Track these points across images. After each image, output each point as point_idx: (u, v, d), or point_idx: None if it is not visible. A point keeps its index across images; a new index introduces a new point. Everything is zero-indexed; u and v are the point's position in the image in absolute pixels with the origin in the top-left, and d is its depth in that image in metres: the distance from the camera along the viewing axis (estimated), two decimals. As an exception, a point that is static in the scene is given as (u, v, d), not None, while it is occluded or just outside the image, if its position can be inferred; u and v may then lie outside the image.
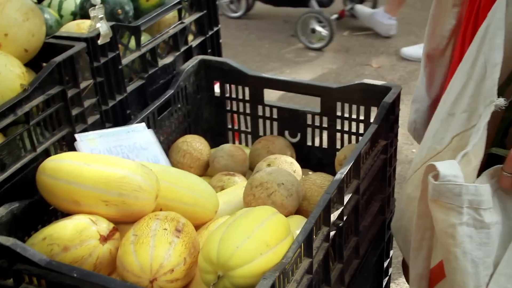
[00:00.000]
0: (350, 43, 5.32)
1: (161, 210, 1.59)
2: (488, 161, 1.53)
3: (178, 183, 1.68)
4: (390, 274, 2.22)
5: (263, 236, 1.40)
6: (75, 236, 1.45)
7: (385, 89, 1.95)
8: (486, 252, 1.41)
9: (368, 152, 1.79)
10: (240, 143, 2.32)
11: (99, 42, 1.83)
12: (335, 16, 5.55)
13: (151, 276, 1.37)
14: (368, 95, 2.00)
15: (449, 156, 1.46)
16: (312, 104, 2.20)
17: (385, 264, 2.13)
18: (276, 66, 4.93)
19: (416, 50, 4.92)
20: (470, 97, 1.46)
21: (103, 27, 1.83)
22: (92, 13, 1.82)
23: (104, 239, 1.48)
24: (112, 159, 1.62)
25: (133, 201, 1.53)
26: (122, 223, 1.57)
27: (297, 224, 1.65)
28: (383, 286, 2.15)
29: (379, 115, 1.84)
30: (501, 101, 1.37)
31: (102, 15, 1.82)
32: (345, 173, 1.62)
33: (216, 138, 2.24)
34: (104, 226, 1.50)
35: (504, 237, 1.43)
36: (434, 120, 1.60)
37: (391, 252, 2.19)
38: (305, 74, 4.78)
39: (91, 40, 1.81)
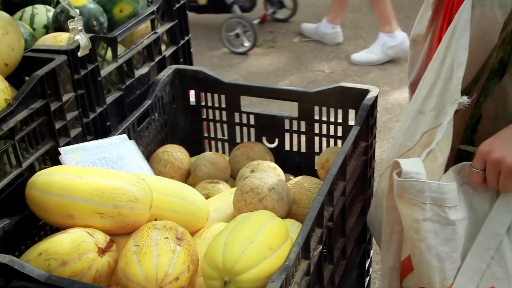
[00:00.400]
0: (301, 50, 5.36)
1: (156, 220, 1.58)
2: (459, 157, 1.58)
3: (169, 192, 1.68)
4: (371, 273, 2.25)
5: (266, 240, 1.41)
6: (73, 250, 1.43)
7: (362, 92, 1.98)
8: (452, 247, 1.45)
9: (351, 154, 1.82)
10: (216, 151, 2.33)
11: (79, 54, 1.81)
12: (257, 20, 5.70)
13: (157, 285, 1.36)
14: (345, 98, 2.03)
15: (419, 153, 1.51)
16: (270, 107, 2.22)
17: (367, 264, 2.16)
18: (230, 76, 4.93)
19: (364, 55, 5.01)
20: (438, 95, 1.51)
21: (83, 39, 1.81)
22: (71, 25, 1.80)
23: (102, 251, 1.47)
24: (104, 171, 1.61)
25: (129, 212, 1.52)
26: (116, 235, 1.56)
27: (290, 227, 1.66)
28: (365, 286, 2.18)
29: (360, 117, 1.87)
30: (465, 99, 1.43)
31: (81, 27, 1.81)
32: (334, 175, 1.65)
33: (192, 147, 2.24)
34: (101, 238, 1.49)
35: (470, 231, 1.48)
36: (405, 117, 1.65)
37: (371, 252, 2.22)
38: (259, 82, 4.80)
39: (71, 53, 1.79)
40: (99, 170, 1.63)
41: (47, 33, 2.07)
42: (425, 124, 1.56)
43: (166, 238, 1.43)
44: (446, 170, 1.50)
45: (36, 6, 2.11)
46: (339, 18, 5.36)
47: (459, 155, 1.60)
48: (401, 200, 1.45)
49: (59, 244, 1.45)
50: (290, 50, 5.38)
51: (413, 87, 1.85)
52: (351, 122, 2.03)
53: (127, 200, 1.52)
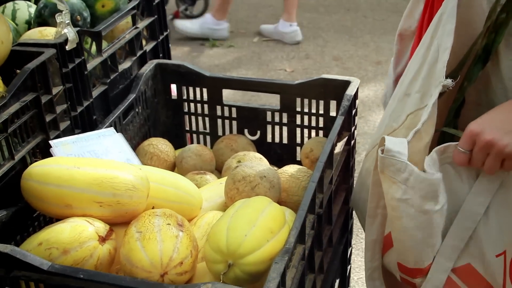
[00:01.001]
0: (261, 49, 5.41)
1: (153, 208, 1.60)
2: (442, 140, 1.63)
3: (163, 182, 1.70)
4: (351, 263, 2.30)
5: (267, 223, 1.45)
6: (74, 239, 1.45)
7: (344, 83, 2.03)
8: (428, 234, 1.50)
9: (335, 143, 1.86)
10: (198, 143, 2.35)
11: (67, 47, 1.82)
12: (170, 16, 5.86)
13: (162, 270, 1.38)
14: (327, 89, 2.07)
15: (403, 133, 1.56)
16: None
17: (348, 253, 2.21)
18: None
19: (185, 24, 5.57)
20: (424, 78, 1.57)
21: (71, 33, 1.82)
22: (58, 18, 1.81)
23: (102, 239, 1.48)
24: (100, 161, 1.63)
25: (127, 200, 1.54)
26: (114, 224, 1.57)
27: (284, 213, 1.70)
28: (347, 274, 2.23)
29: (343, 107, 1.92)
30: (449, 82, 1.48)
31: (68, 21, 1.82)
32: (324, 162, 1.69)
33: (173, 140, 2.25)
34: (101, 227, 1.50)
35: (449, 210, 1.52)
36: (392, 99, 1.70)
37: (353, 242, 2.27)
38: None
39: (59, 46, 1.80)
40: (95, 160, 1.64)
41: (29, 28, 2.07)
42: (411, 106, 1.60)
43: (168, 224, 1.46)
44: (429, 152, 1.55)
45: (17, 1, 2.11)
46: (294, 15, 5.44)
47: (442, 137, 1.65)
48: (383, 175, 1.50)
49: (59, 233, 1.46)
50: (250, 50, 5.42)
51: (399, 80, 1.91)
52: (333, 113, 2.08)
53: (126, 189, 1.54)
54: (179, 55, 5.32)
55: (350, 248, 2.23)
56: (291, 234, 1.46)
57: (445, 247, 1.55)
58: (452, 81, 1.47)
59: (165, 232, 1.43)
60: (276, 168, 2.07)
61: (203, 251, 1.49)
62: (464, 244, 1.53)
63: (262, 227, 1.43)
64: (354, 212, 2.17)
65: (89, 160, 1.62)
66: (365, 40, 5.46)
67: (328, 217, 1.84)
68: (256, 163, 1.81)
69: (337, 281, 2.10)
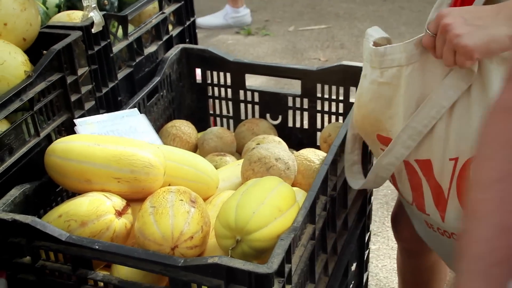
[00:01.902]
0: (296, 38, 5.44)
1: (169, 185, 1.66)
2: None
3: (182, 161, 1.76)
4: (369, 248, 2.34)
5: (275, 202, 1.50)
6: (92, 212, 1.52)
7: (364, 70, 2.06)
8: (380, 105, 1.62)
9: (351, 128, 1.90)
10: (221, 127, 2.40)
11: (93, 30, 1.89)
12: None
13: (173, 244, 1.44)
14: (347, 76, 2.11)
15: None
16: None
17: (366, 238, 2.24)
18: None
19: (208, 20, 5.56)
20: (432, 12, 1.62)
21: (97, 16, 1.89)
22: (85, 2, 1.88)
23: (119, 213, 1.55)
24: (120, 139, 1.69)
25: (144, 177, 1.61)
26: (131, 199, 1.64)
27: (296, 195, 1.73)
28: (364, 259, 2.27)
29: (361, 93, 1.95)
30: None
31: (95, 5, 1.89)
32: (337, 146, 1.73)
33: (197, 123, 2.31)
34: (118, 202, 1.57)
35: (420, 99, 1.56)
36: None
37: (371, 227, 2.31)
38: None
39: (85, 29, 1.87)
40: (115, 138, 1.71)
41: (59, 12, 2.14)
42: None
43: (181, 200, 1.52)
44: None
45: (47, -14, 2.18)
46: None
47: None
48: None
49: (78, 206, 1.54)
50: (285, 39, 5.46)
51: None
52: (352, 99, 2.12)
53: (143, 166, 1.60)
54: (214, 43, 5.38)
55: (368, 233, 2.26)
56: (299, 213, 1.50)
57: (408, 127, 1.56)
58: None
59: (177, 207, 1.49)
60: (294, 151, 2.12)
61: (214, 227, 1.55)
62: (426, 131, 1.54)
63: (271, 205, 1.48)
64: (372, 197, 2.22)
65: (110, 138, 1.69)
66: (400, 31, 5.46)
67: (343, 200, 1.88)
68: (272, 145, 1.86)
69: (354, 264, 2.14)
